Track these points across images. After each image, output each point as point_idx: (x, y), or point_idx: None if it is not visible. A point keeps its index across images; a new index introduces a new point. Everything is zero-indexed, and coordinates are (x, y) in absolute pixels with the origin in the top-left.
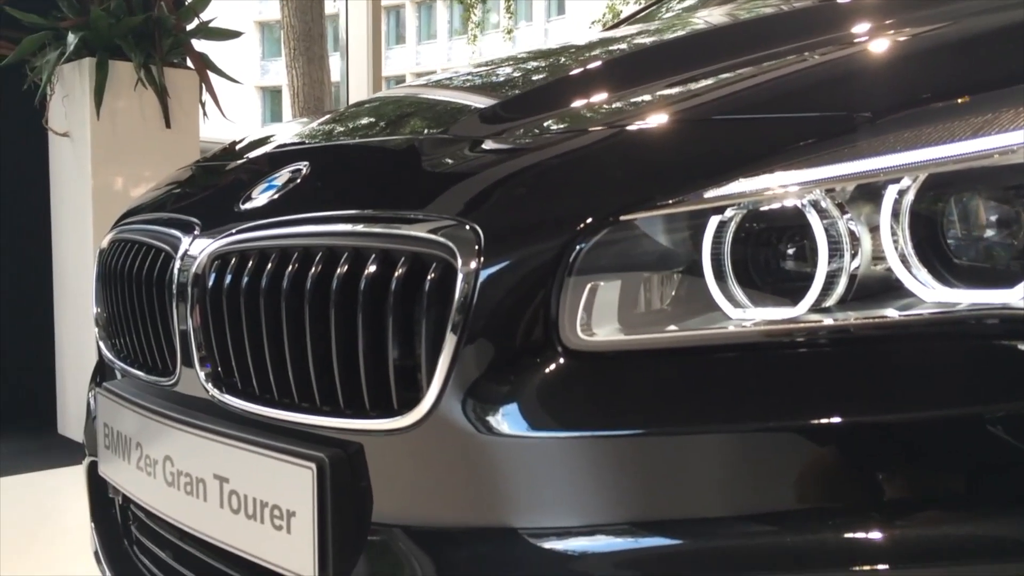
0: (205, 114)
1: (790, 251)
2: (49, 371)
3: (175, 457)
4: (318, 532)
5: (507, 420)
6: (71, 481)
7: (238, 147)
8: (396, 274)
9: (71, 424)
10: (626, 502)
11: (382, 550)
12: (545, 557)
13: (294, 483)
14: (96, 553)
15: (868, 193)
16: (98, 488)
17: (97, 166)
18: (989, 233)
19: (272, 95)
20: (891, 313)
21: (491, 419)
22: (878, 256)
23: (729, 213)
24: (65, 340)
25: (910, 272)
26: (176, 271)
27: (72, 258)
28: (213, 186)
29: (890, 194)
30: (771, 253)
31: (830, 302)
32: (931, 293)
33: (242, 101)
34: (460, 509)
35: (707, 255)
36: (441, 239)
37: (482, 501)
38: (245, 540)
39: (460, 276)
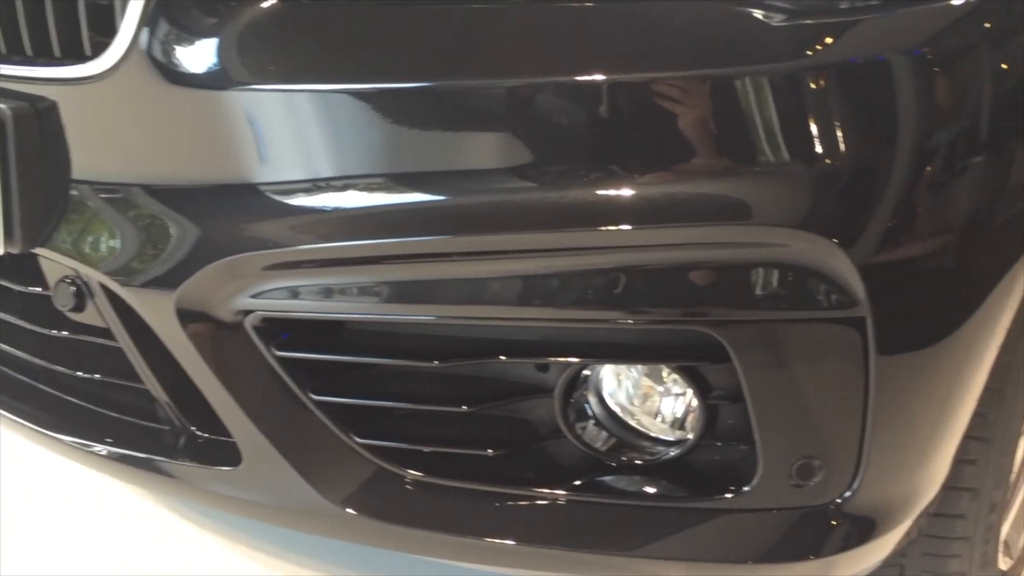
0: None
1: None
2: None
3: None
4: (1, 195)
5: (214, 67)
6: None
7: None
8: None
9: None
10: (366, 157)
11: (87, 211)
12: (291, 212)
13: None
14: None
15: None
16: None
17: None
18: None
19: None
20: None
21: (195, 65)
22: None
23: None
24: None
25: None
26: None
27: None
28: None
29: None
30: None
31: None
32: None
33: None
34: (179, 165)
35: None
36: None
37: (204, 155)
38: None
39: None
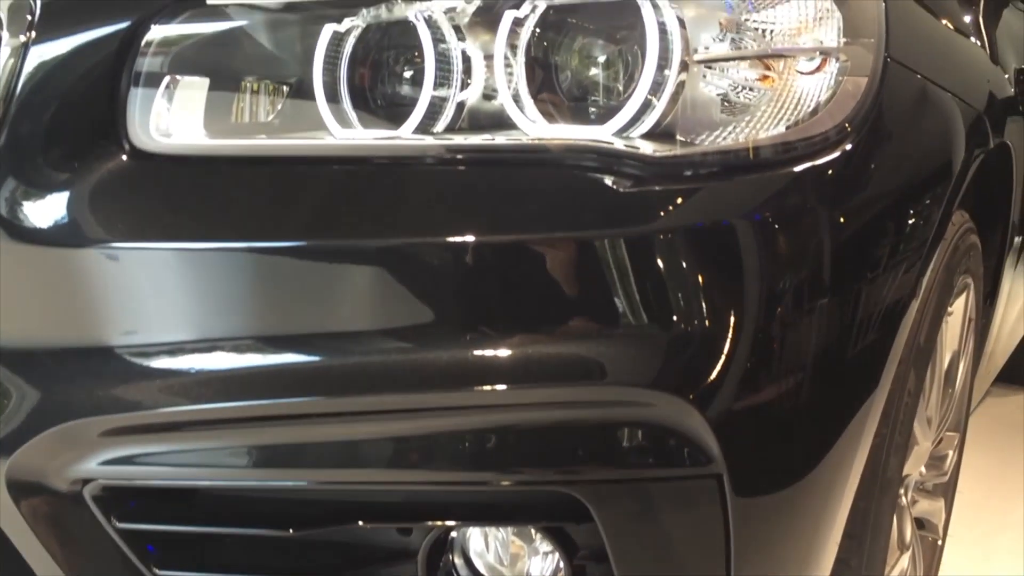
0: None
1: (407, 74)
2: None
3: None
4: None
5: (64, 224)
6: None
7: None
8: None
9: None
10: (219, 318)
11: None
12: (135, 375)
13: None
14: None
15: (488, 22)
16: None
17: None
18: (594, 72)
19: None
20: (487, 139)
21: (44, 222)
22: (492, 89)
23: (346, 24)
24: None
25: (520, 109)
26: None
27: None
28: None
29: (506, 22)
30: (388, 76)
31: (438, 128)
32: (535, 128)
33: None
34: (19, 326)
35: (319, 66)
36: None
37: (44, 316)
38: None
39: (6, 50)
